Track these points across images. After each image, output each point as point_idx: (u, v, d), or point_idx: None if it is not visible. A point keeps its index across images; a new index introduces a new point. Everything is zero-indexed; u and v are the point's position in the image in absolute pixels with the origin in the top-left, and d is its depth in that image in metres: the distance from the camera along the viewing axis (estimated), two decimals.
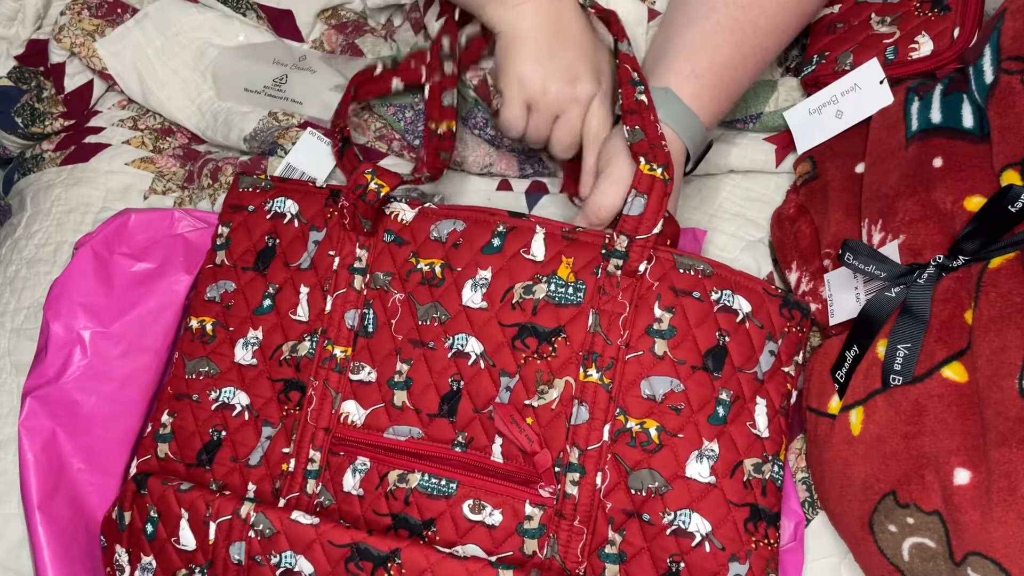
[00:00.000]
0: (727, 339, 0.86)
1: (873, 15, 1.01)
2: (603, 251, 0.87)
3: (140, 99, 1.22)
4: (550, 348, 0.86)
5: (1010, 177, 0.82)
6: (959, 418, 0.77)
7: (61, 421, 0.95)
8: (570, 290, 0.87)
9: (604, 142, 0.96)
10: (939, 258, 0.82)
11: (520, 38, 0.96)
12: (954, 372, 0.79)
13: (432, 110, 1.02)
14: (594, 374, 0.85)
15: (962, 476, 0.75)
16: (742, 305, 0.86)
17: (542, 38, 0.96)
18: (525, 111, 0.98)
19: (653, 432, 0.84)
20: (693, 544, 0.82)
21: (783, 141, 1.07)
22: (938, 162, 0.87)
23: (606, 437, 0.85)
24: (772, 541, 0.84)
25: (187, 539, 0.88)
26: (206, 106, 1.19)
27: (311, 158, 1.09)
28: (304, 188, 0.98)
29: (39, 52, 1.23)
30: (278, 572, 0.84)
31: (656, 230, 0.86)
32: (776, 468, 0.85)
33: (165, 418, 0.96)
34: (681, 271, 0.87)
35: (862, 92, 0.97)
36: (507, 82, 0.98)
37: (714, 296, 0.86)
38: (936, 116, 0.90)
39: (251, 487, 0.91)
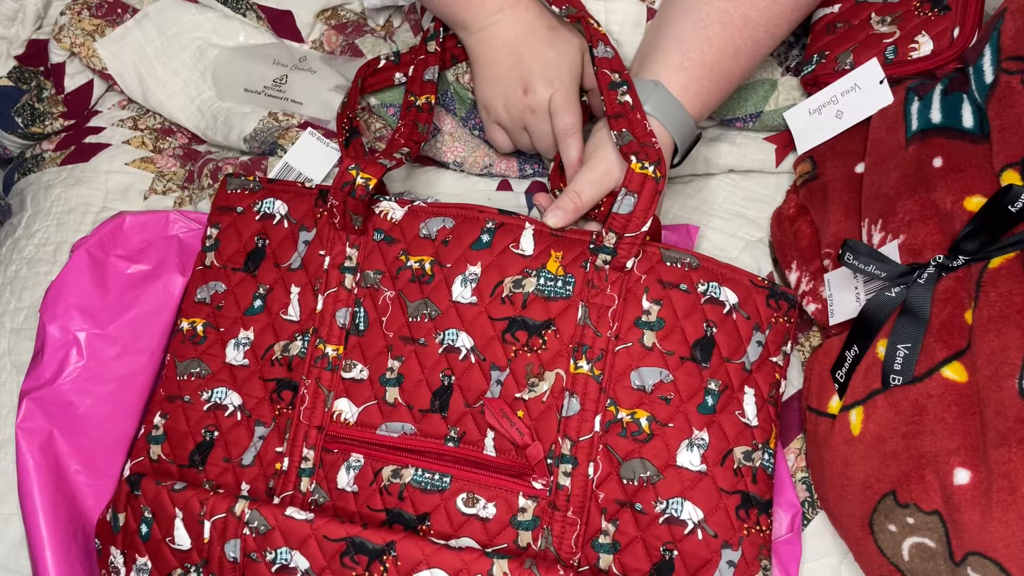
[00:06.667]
0: (715, 330, 0.86)
1: (873, 15, 1.01)
2: (591, 246, 0.88)
3: (140, 99, 1.22)
4: (540, 341, 0.87)
5: (1010, 177, 0.81)
6: (959, 418, 0.77)
7: (58, 423, 0.95)
8: (559, 284, 0.87)
9: (592, 134, 0.96)
10: (939, 258, 0.82)
11: (479, 62, 1.00)
12: (954, 372, 0.78)
13: (414, 85, 1.04)
14: (584, 366, 0.86)
15: (962, 476, 0.74)
16: (729, 297, 0.87)
17: (498, 58, 0.98)
18: (501, 130, 1.02)
19: (644, 422, 0.85)
20: (686, 532, 0.83)
21: (783, 141, 1.07)
22: (938, 162, 0.86)
23: (597, 428, 0.85)
24: (764, 528, 0.84)
25: (182, 538, 0.88)
26: (206, 106, 1.20)
27: (309, 158, 1.09)
28: (293, 189, 0.98)
29: (39, 52, 1.23)
30: (274, 568, 0.84)
31: (645, 228, 0.86)
32: (766, 456, 0.85)
33: (157, 420, 0.96)
34: (668, 264, 0.87)
35: (862, 92, 0.97)
36: (479, 108, 1.03)
37: (701, 288, 0.87)
38: (936, 116, 0.89)
39: (244, 487, 0.91)
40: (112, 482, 0.96)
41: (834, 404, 0.86)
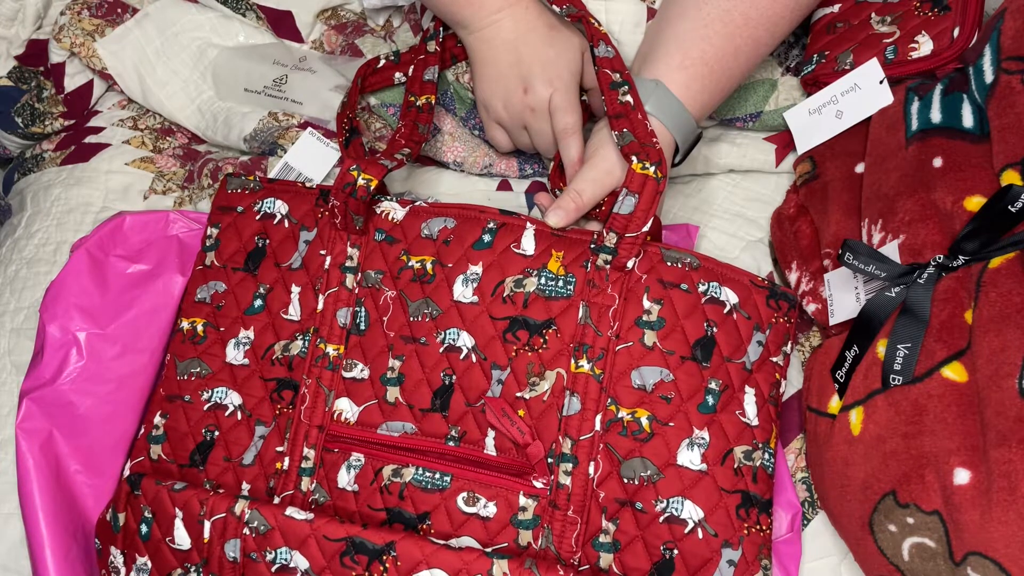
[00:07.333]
0: (715, 330, 0.86)
1: (873, 14, 1.01)
2: (592, 246, 0.88)
3: (140, 99, 1.22)
4: (541, 340, 0.87)
5: (1010, 177, 0.81)
6: (959, 418, 0.76)
7: (58, 423, 0.95)
8: (560, 283, 0.88)
9: (592, 133, 0.96)
10: (939, 258, 0.82)
11: (479, 61, 1.00)
12: (954, 372, 0.78)
13: (414, 85, 1.04)
14: (585, 365, 0.86)
15: (962, 476, 0.74)
16: (729, 297, 0.87)
17: (499, 57, 0.98)
18: (500, 130, 1.02)
19: (644, 421, 0.85)
20: (686, 531, 0.83)
21: (783, 141, 1.07)
22: (938, 162, 0.86)
23: (598, 427, 0.85)
24: (764, 527, 0.84)
25: (182, 538, 0.88)
26: (206, 106, 1.20)
27: (309, 158, 1.09)
28: (293, 188, 0.98)
29: (39, 52, 1.23)
30: (273, 568, 0.84)
31: (645, 228, 0.86)
32: (767, 456, 0.85)
33: (157, 420, 0.96)
34: (669, 264, 0.87)
35: (862, 92, 0.97)
36: (479, 107, 1.03)
37: (701, 288, 0.87)
38: (936, 116, 0.89)
39: (245, 486, 0.91)
40: (112, 482, 0.96)
41: (834, 404, 0.86)
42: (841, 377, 0.86)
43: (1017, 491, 0.71)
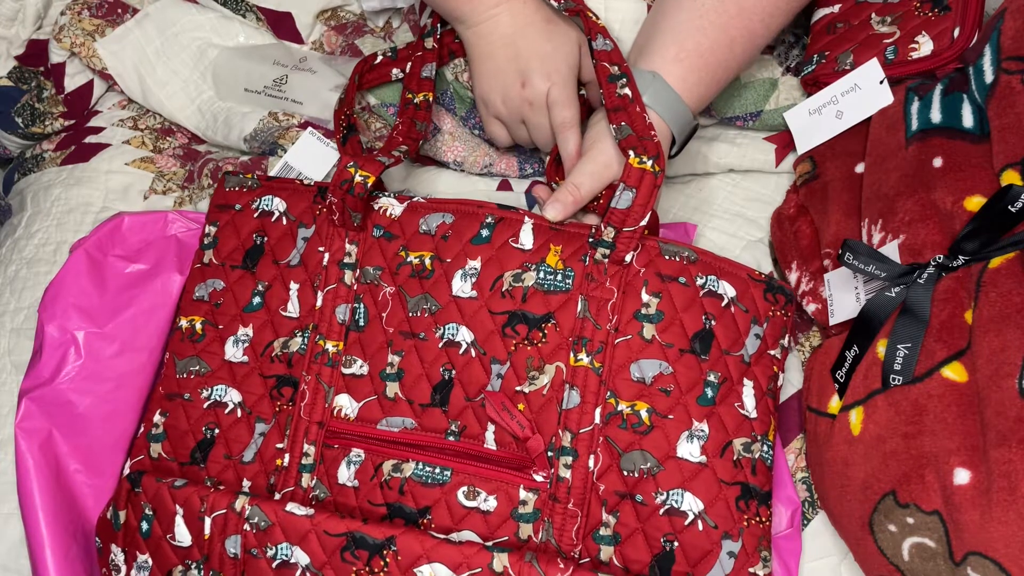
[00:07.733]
0: (713, 323, 0.86)
1: (873, 15, 1.01)
2: (590, 240, 0.88)
3: (140, 99, 1.22)
4: (540, 334, 0.87)
5: (1010, 177, 0.81)
6: (959, 418, 0.76)
7: (57, 422, 0.95)
8: (559, 277, 0.88)
9: (590, 126, 0.96)
10: (939, 258, 0.82)
11: (477, 56, 1.00)
12: (954, 372, 0.78)
13: (411, 82, 1.04)
14: (584, 358, 0.86)
15: (962, 476, 0.74)
16: (727, 290, 0.87)
17: (497, 51, 0.99)
18: (499, 124, 1.02)
19: (644, 414, 0.85)
20: (686, 523, 0.83)
21: (783, 141, 1.07)
22: (938, 162, 0.86)
23: (597, 420, 0.85)
24: (764, 519, 0.84)
25: (183, 535, 0.88)
26: (206, 106, 1.20)
27: (309, 158, 1.09)
28: (291, 186, 0.98)
29: (39, 52, 1.23)
30: (274, 564, 0.84)
31: (643, 222, 0.87)
32: (766, 448, 0.86)
33: (157, 418, 0.96)
34: (667, 257, 0.87)
35: (862, 92, 0.97)
36: (477, 103, 1.03)
37: (699, 281, 0.87)
38: (936, 116, 0.89)
39: (245, 483, 0.91)
40: (112, 481, 0.96)
41: (834, 404, 0.86)
42: (841, 377, 0.86)
43: (1017, 491, 0.71)
